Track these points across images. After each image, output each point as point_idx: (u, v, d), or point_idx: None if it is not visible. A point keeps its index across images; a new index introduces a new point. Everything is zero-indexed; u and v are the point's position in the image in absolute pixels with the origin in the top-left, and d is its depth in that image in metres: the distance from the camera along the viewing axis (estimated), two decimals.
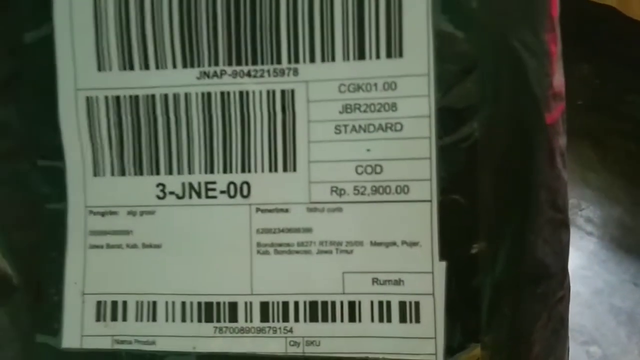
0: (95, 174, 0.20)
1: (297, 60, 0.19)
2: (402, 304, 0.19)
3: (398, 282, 0.19)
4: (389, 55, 0.19)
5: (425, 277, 0.19)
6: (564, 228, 0.20)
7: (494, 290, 0.19)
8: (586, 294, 0.49)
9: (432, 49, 0.18)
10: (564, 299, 0.20)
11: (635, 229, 0.54)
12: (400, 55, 0.19)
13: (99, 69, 0.20)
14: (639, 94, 0.63)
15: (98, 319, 0.20)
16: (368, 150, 0.19)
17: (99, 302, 0.20)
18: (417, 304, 0.19)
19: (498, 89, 0.18)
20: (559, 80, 0.19)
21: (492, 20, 0.18)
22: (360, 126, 0.19)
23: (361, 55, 0.19)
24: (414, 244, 0.19)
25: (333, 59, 0.19)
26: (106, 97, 0.20)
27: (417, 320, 0.19)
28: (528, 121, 0.19)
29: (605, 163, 0.59)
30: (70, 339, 0.20)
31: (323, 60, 0.19)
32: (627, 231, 0.54)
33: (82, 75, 0.20)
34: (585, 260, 0.52)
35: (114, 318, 0.20)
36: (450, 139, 0.19)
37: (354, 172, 0.19)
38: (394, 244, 0.19)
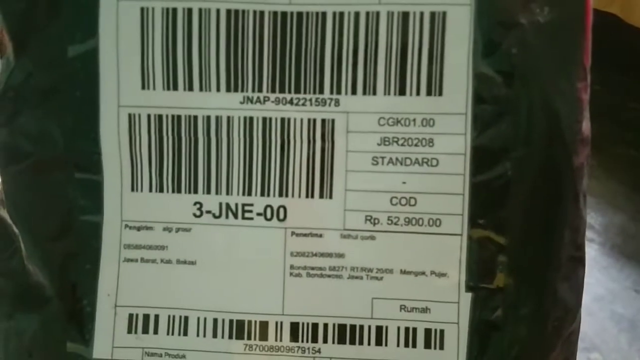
0: (133, 189, 0.21)
1: (339, 92, 0.20)
2: (427, 331, 0.20)
3: (425, 310, 0.20)
4: (429, 93, 0.19)
5: (451, 307, 0.20)
6: (581, 266, 0.21)
7: (515, 322, 0.20)
8: (587, 301, 0.49)
9: (470, 90, 0.19)
10: (576, 331, 0.21)
11: (637, 236, 0.55)
12: (440, 93, 0.19)
13: (143, 87, 0.20)
14: None
15: (129, 331, 0.21)
16: (404, 182, 0.20)
17: (131, 315, 0.21)
18: (442, 331, 0.20)
19: (531, 132, 0.19)
20: (586, 126, 0.20)
21: (530, 67, 0.19)
22: (397, 159, 0.20)
23: (402, 91, 0.20)
24: (442, 274, 0.20)
25: (374, 93, 0.20)
26: (148, 115, 0.20)
27: (441, 347, 0.20)
28: (558, 164, 0.20)
29: (607, 170, 0.60)
30: (101, 350, 0.21)
31: (365, 93, 0.20)
32: (629, 238, 0.55)
33: (125, 92, 0.20)
34: (586, 267, 0.52)
35: (145, 331, 0.21)
36: (483, 177, 0.19)
37: (388, 203, 0.20)
38: (423, 273, 0.20)
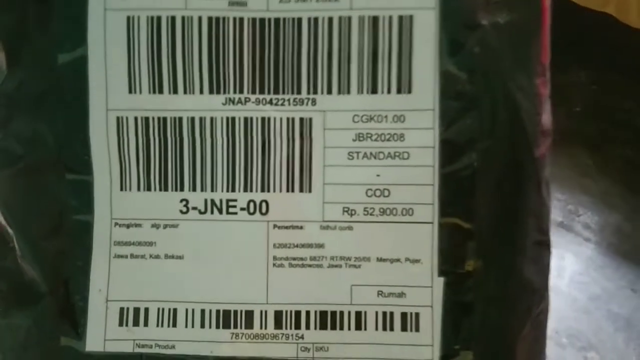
0: (122, 189, 0.22)
1: (315, 92, 0.21)
2: (403, 315, 0.21)
3: (400, 295, 0.21)
4: (399, 91, 0.21)
5: (425, 291, 0.21)
6: (547, 249, 0.22)
7: (485, 303, 0.21)
8: (584, 300, 0.49)
9: (438, 87, 0.21)
10: (545, 311, 0.23)
11: (633, 235, 0.55)
12: (409, 91, 0.21)
13: (130, 91, 0.21)
14: (637, 101, 0.66)
15: (121, 324, 0.22)
16: (378, 175, 0.21)
17: (122, 309, 0.22)
18: (417, 314, 0.21)
19: (494, 125, 0.21)
20: (547, 118, 0.22)
21: (492, 65, 0.21)
22: (371, 153, 0.21)
23: (374, 90, 0.21)
24: (416, 261, 0.21)
25: (348, 92, 0.21)
26: (135, 118, 0.22)
27: (417, 330, 0.21)
28: (520, 154, 0.21)
29: (603, 170, 0.60)
30: (93, 343, 0.22)
31: (339, 92, 0.21)
32: (625, 237, 0.54)
33: (113, 96, 0.22)
34: (582, 266, 0.52)
35: (136, 323, 0.22)
36: (451, 168, 0.21)
37: (364, 195, 0.21)
38: (398, 260, 0.21)
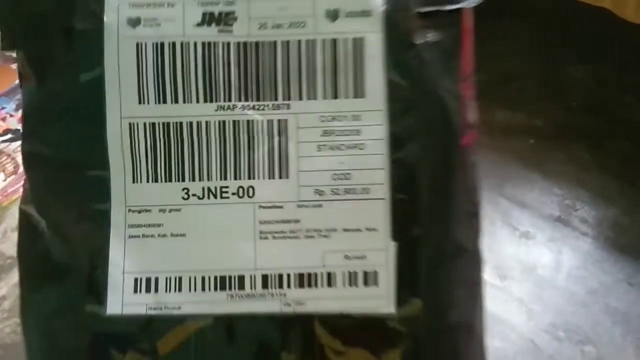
0: (134, 181, 0.27)
1: (289, 98, 0.27)
2: (365, 273, 0.27)
3: (362, 257, 0.27)
4: (355, 96, 0.27)
5: (381, 254, 0.27)
6: (476, 218, 0.28)
7: (429, 262, 0.27)
8: (581, 294, 0.50)
9: (385, 92, 0.27)
10: (477, 269, 0.28)
11: (630, 229, 0.56)
12: (363, 96, 0.27)
13: (140, 102, 0.27)
14: (634, 95, 0.69)
15: (135, 292, 0.27)
16: (341, 162, 0.27)
17: (136, 279, 0.27)
18: (376, 272, 0.27)
19: (429, 121, 0.27)
20: (471, 114, 0.28)
21: (425, 74, 0.27)
22: (335, 146, 0.27)
23: (336, 96, 0.27)
24: (373, 229, 0.27)
25: (315, 98, 0.27)
26: (144, 123, 0.27)
27: (376, 284, 0.27)
28: (449, 143, 0.27)
29: (600, 164, 0.62)
30: (113, 307, 0.26)
31: (309, 98, 0.27)
32: (622, 231, 0.55)
33: (126, 106, 0.27)
34: (580, 260, 0.53)
35: (147, 290, 0.27)
36: (398, 155, 0.27)
37: (330, 179, 0.27)
38: (359, 230, 0.27)
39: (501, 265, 0.54)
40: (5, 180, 0.63)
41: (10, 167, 0.64)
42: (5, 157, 0.66)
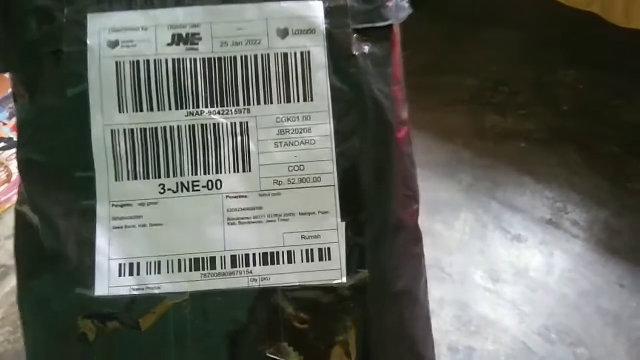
0: (116, 179, 0.31)
1: (249, 103, 0.31)
2: (320, 250, 0.31)
3: (317, 237, 0.31)
4: (305, 99, 0.31)
5: (332, 233, 0.31)
6: (413, 200, 0.33)
7: (373, 237, 0.31)
8: (573, 296, 0.50)
9: (329, 95, 0.31)
10: (417, 243, 0.33)
11: (621, 231, 0.55)
12: (312, 99, 0.31)
13: (119, 111, 0.31)
14: (623, 98, 0.68)
15: (120, 275, 0.30)
16: (295, 156, 0.31)
17: (120, 264, 0.31)
18: (329, 249, 0.31)
19: (367, 119, 0.32)
20: (403, 113, 0.33)
21: (362, 80, 0.32)
22: (289, 142, 0.31)
23: (288, 100, 0.31)
24: (325, 212, 0.31)
25: (271, 102, 0.31)
26: (124, 130, 0.31)
27: (329, 259, 0.31)
28: (386, 137, 0.32)
29: (591, 166, 0.62)
30: (100, 289, 0.30)
31: (265, 103, 0.31)
32: (613, 233, 0.55)
33: (108, 115, 0.31)
34: (571, 262, 0.53)
35: (130, 274, 0.30)
36: (342, 148, 0.31)
37: (287, 170, 0.31)
38: (313, 213, 0.31)
39: (493, 268, 0.54)
40: None
41: (2, 176, 0.63)
42: None
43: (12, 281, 0.49)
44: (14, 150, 0.61)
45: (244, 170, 0.31)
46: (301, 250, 0.31)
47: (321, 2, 0.32)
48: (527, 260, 0.55)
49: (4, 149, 0.67)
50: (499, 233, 0.57)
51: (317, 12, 0.32)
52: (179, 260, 0.31)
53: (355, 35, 0.32)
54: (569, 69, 0.74)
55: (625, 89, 0.71)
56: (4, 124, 0.69)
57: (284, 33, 0.32)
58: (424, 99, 0.68)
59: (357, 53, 0.32)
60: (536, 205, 0.60)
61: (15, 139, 0.62)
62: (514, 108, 0.71)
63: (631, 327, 0.48)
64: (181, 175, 0.31)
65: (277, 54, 0.31)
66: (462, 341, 0.48)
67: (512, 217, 0.59)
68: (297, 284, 0.31)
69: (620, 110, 0.69)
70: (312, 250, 0.31)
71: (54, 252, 0.31)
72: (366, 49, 0.32)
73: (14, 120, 0.65)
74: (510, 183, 0.62)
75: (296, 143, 0.31)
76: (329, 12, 0.32)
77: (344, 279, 0.31)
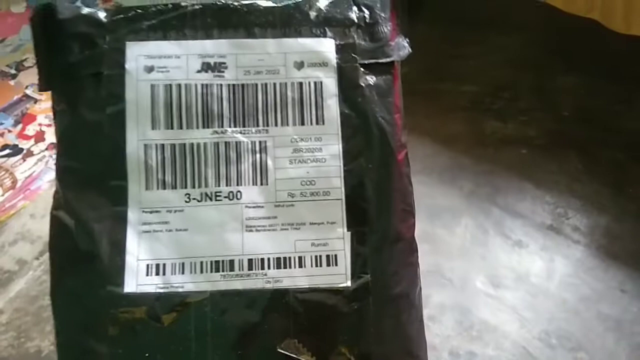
0: (147, 189, 0.35)
1: (268, 125, 0.36)
2: (328, 256, 0.35)
3: (325, 244, 0.35)
4: (317, 123, 0.36)
5: (339, 241, 0.35)
6: (410, 214, 0.37)
7: (375, 246, 0.35)
8: (574, 301, 0.50)
9: (339, 120, 0.36)
10: (412, 253, 0.37)
11: (622, 236, 0.55)
12: (323, 123, 0.36)
13: (152, 128, 0.35)
14: (624, 104, 0.68)
15: (147, 275, 0.34)
16: (307, 172, 0.35)
17: (147, 265, 0.34)
18: (336, 255, 0.35)
19: (371, 142, 0.36)
20: (403, 137, 0.37)
21: (368, 107, 0.36)
22: (303, 160, 0.35)
23: (302, 123, 0.36)
24: (333, 223, 0.35)
25: (287, 125, 0.36)
26: (156, 145, 0.35)
27: (336, 265, 0.35)
28: (387, 158, 0.36)
29: (592, 172, 0.62)
30: (129, 287, 0.33)
31: (282, 125, 0.36)
32: (614, 239, 0.55)
33: (142, 131, 0.35)
34: (572, 268, 0.53)
35: (157, 274, 0.34)
36: (350, 166, 0.35)
37: (300, 185, 0.35)
38: (323, 223, 0.35)
39: (494, 274, 0.54)
40: (2, 195, 0.61)
41: (8, 182, 0.63)
42: (4, 172, 0.64)
43: (16, 287, 0.51)
44: (19, 157, 0.66)
45: (261, 184, 0.35)
46: (311, 256, 0.35)
47: (333, 40, 0.37)
48: (528, 265, 0.55)
49: (9, 155, 0.67)
50: (500, 239, 0.57)
51: (329, 48, 0.36)
52: (201, 263, 0.34)
53: (362, 69, 0.36)
54: (569, 75, 0.74)
55: (625, 95, 0.71)
56: (9, 131, 0.70)
57: (300, 65, 0.36)
58: (423, 105, 0.68)
59: (363, 84, 0.36)
60: (537, 211, 0.60)
61: (20, 146, 0.68)
62: (514, 114, 0.71)
63: (632, 332, 0.48)
64: (205, 186, 0.35)
65: (294, 83, 0.36)
66: (464, 346, 0.48)
67: (513, 222, 0.59)
68: (306, 286, 0.34)
69: (621, 116, 0.69)
70: (320, 256, 0.35)
71: (88, 253, 0.34)
72: (371, 81, 0.37)
73: (19, 127, 0.70)
74: (511, 189, 0.62)
75: (309, 161, 0.35)
76: (339, 49, 0.36)
77: (349, 283, 0.34)
